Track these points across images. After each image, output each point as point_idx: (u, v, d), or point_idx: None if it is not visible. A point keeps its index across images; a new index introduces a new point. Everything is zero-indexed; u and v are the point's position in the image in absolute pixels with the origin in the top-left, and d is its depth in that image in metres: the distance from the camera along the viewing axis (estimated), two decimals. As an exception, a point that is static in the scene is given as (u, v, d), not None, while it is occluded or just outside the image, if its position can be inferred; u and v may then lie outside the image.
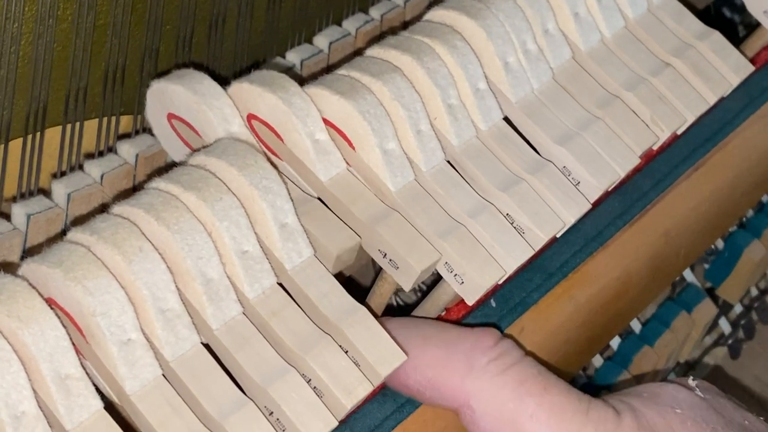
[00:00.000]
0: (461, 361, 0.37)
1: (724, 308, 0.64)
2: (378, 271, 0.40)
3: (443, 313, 0.41)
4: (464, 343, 0.37)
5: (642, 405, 0.37)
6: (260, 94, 0.38)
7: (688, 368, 0.65)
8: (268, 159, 0.37)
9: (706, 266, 0.62)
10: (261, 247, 0.35)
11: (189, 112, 0.38)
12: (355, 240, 0.37)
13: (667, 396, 0.38)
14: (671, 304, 0.57)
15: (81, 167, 0.43)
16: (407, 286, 0.38)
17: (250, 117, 0.39)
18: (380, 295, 0.40)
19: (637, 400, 0.38)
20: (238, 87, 0.39)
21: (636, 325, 0.57)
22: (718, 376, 0.66)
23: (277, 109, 0.38)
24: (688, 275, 0.60)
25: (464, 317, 0.42)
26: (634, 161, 0.43)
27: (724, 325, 0.64)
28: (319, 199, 0.39)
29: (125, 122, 0.44)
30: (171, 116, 0.39)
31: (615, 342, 0.56)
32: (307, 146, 0.38)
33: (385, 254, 0.38)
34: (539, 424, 0.36)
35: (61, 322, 0.31)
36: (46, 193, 0.42)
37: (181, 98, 0.38)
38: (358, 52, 0.43)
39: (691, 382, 0.39)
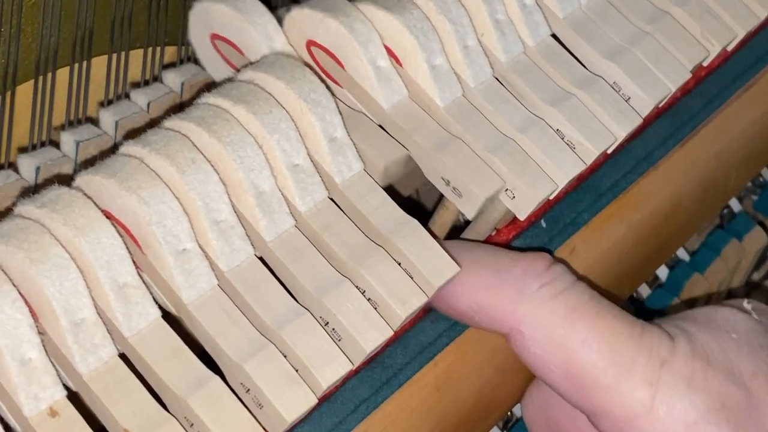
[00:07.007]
0: (512, 285, 0.36)
1: (774, 240, 0.63)
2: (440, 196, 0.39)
3: (494, 233, 0.41)
4: (516, 267, 0.37)
5: (697, 330, 0.37)
6: (321, 20, 0.37)
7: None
8: (316, 73, 0.37)
9: (755, 198, 0.61)
10: (311, 160, 0.35)
11: (232, 30, 0.38)
12: (402, 152, 0.37)
13: (723, 320, 0.37)
14: (721, 232, 0.56)
15: (127, 96, 0.43)
16: (470, 214, 0.37)
17: (310, 43, 0.38)
18: (441, 225, 0.40)
19: (691, 324, 0.37)
20: (299, 12, 0.38)
21: (684, 256, 0.56)
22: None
23: (338, 34, 0.37)
24: (736, 206, 0.60)
25: (515, 237, 0.41)
26: (686, 76, 0.42)
27: (774, 258, 0.63)
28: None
29: (170, 54, 0.44)
30: (214, 36, 0.39)
31: (663, 273, 0.56)
32: (369, 73, 0.37)
33: (449, 182, 0.37)
34: (590, 349, 0.35)
35: (117, 231, 0.31)
36: (94, 121, 0.42)
37: (225, 17, 0.38)
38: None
39: (746, 305, 0.39)
